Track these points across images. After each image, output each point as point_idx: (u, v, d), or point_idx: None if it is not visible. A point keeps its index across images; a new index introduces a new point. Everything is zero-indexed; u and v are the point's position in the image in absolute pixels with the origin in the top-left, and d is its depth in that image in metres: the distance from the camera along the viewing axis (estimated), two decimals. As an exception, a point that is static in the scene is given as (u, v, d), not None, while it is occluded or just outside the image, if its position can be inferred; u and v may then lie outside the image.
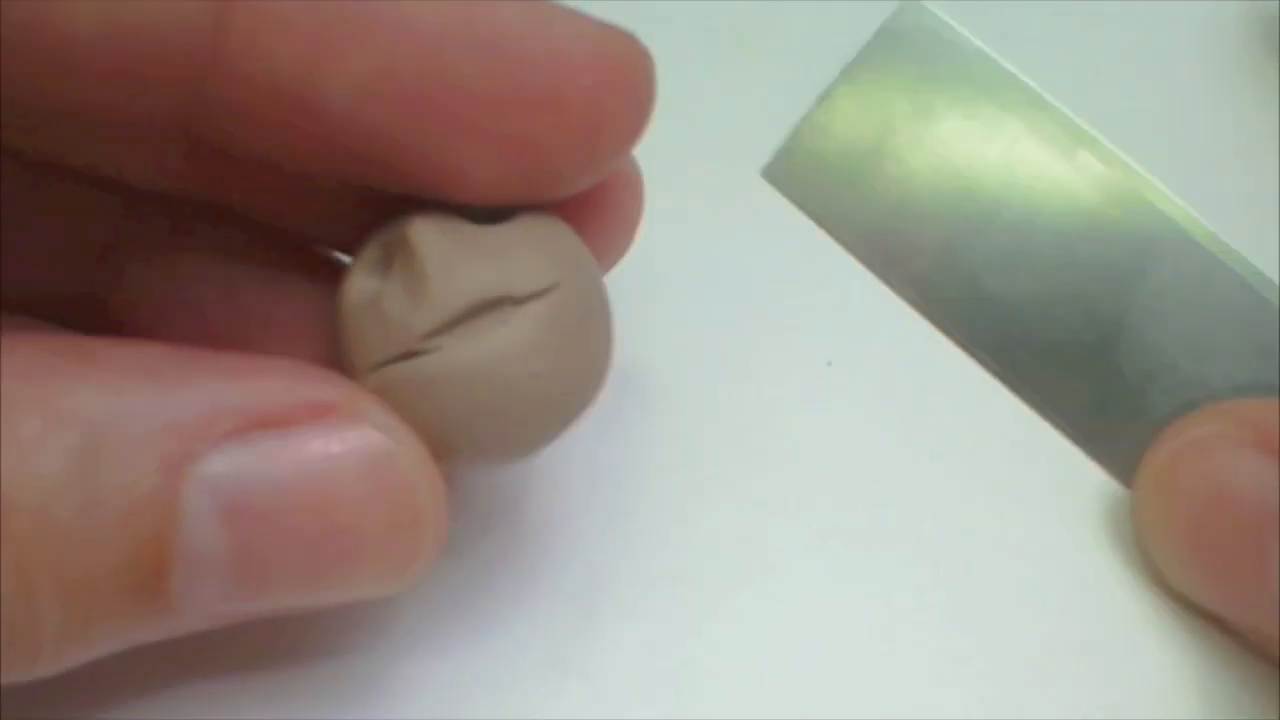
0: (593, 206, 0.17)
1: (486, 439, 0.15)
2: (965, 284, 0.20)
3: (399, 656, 0.18)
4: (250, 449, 0.14)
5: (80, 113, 0.15)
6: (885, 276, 0.20)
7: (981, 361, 0.20)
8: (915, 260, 0.20)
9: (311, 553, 0.14)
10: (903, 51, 0.19)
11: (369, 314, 0.15)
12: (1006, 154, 0.20)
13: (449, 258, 0.15)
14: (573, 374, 0.16)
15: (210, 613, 0.14)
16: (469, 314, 0.15)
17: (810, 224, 0.21)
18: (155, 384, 0.14)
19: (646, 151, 0.17)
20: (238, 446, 0.14)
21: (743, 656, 0.19)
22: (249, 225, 0.18)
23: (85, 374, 0.13)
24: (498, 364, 0.15)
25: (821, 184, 0.18)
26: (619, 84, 0.15)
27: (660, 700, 0.18)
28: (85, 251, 0.18)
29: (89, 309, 0.18)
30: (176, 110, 0.15)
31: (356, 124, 0.15)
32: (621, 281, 0.18)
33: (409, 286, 0.15)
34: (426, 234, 0.15)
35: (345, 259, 0.18)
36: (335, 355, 0.16)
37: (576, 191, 0.16)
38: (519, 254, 0.15)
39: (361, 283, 0.16)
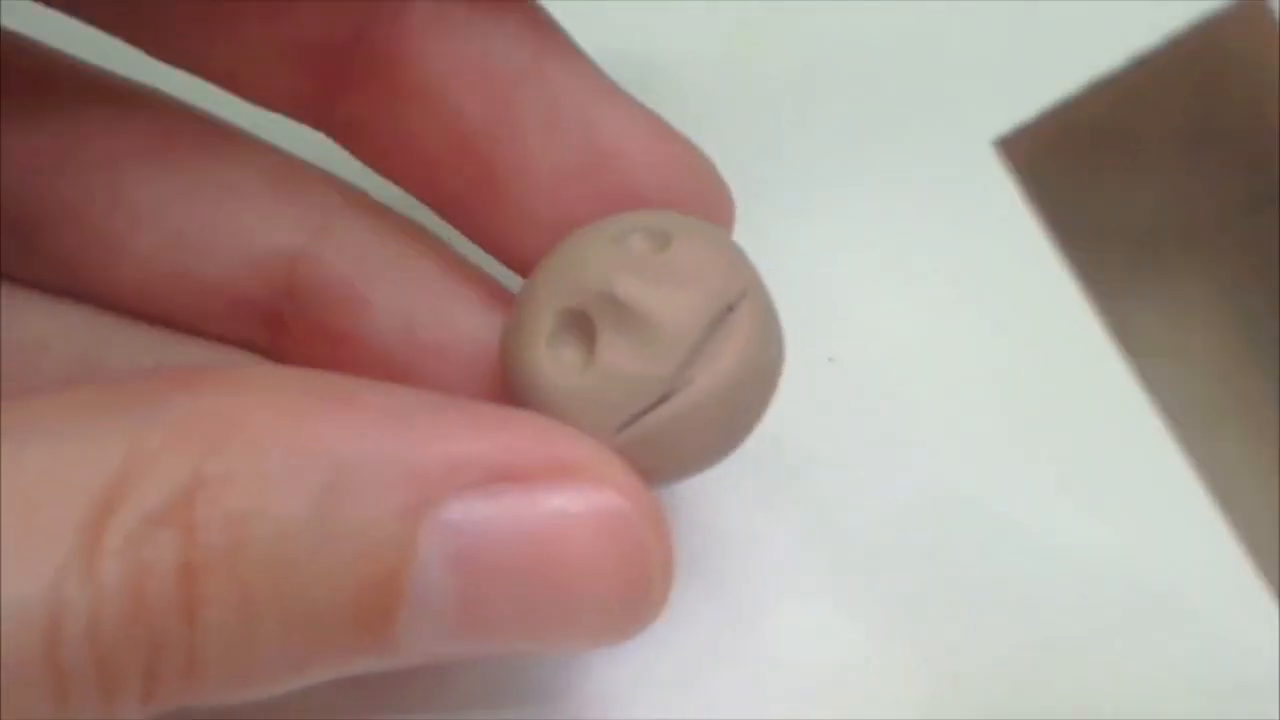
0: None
1: (728, 442, 0.16)
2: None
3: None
4: (491, 501, 0.14)
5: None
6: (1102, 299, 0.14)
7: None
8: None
9: (537, 607, 0.14)
10: (1224, 61, 0.11)
11: (592, 383, 0.15)
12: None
13: (666, 298, 0.15)
14: (781, 346, 0.17)
15: (428, 653, 0.15)
16: (702, 340, 0.15)
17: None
18: (404, 429, 0.14)
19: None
20: (479, 498, 0.14)
21: (736, 655, 0.19)
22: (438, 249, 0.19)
23: (335, 414, 0.14)
24: (744, 369, 0.16)
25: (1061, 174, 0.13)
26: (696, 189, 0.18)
27: (656, 701, 0.19)
28: (273, 267, 0.19)
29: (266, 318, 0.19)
30: None
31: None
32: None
33: (637, 338, 0.15)
34: (632, 285, 0.15)
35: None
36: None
37: None
38: (708, 264, 0.16)
39: (553, 355, 0.16)
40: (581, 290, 0.16)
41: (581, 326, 0.16)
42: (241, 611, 0.13)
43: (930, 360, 0.22)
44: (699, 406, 0.15)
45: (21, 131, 0.18)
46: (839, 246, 0.22)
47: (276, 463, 0.13)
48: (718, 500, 0.20)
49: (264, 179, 0.19)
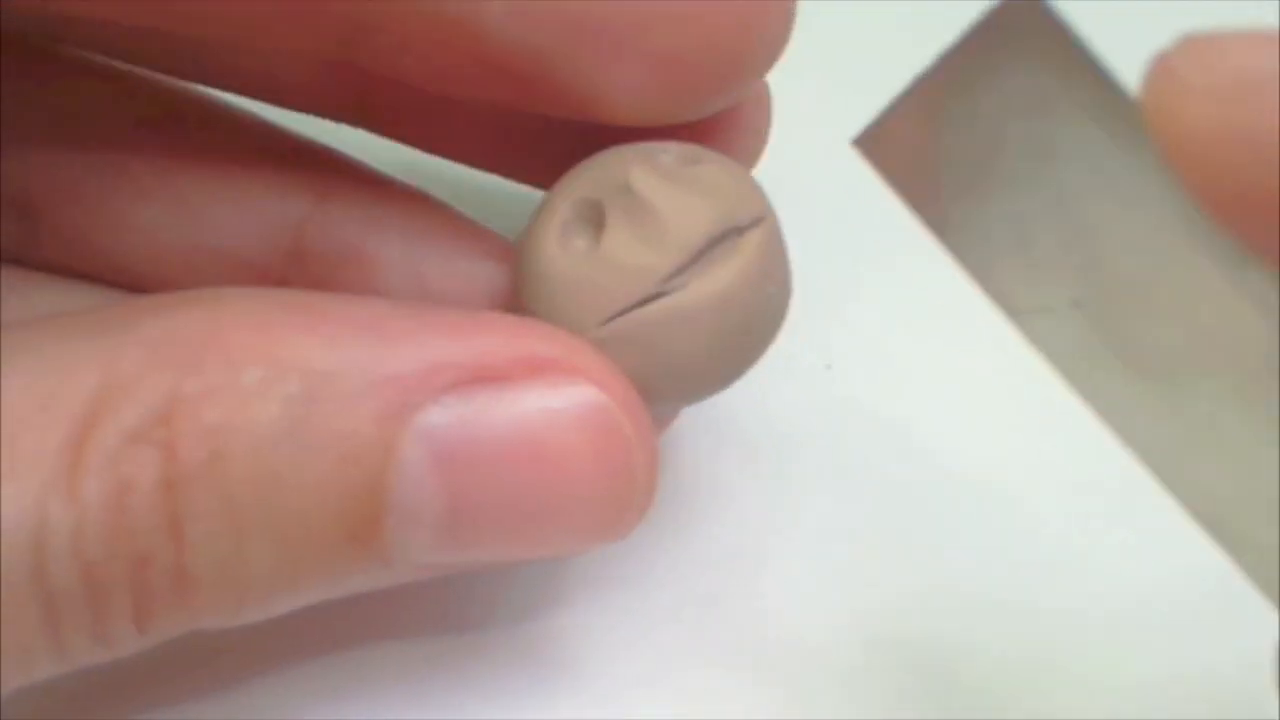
0: (727, 123, 0.18)
1: (715, 369, 0.16)
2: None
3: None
4: (468, 402, 0.14)
5: (245, 36, 0.16)
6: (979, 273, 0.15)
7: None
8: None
9: (523, 505, 0.14)
10: (1010, 55, 0.13)
11: (590, 269, 0.15)
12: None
13: (678, 198, 0.15)
14: (786, 292, 0.17)
15: (420, 563, 0.15)
16: (705, 249, 0.15)
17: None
18: (378, 337, 0.14)
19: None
20: (456, 399, 0.14)
21: (739, 661, 0.19)
22: (432, 209, 0.19)
23: (309, 326, 0.14)
24: (741, 290, 0.15)
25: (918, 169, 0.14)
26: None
27: (659, 701, 0.18)
28: (279, 233, 0.19)
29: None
30: (339, 35, 0.16)
31: (511, 43, 0.16)
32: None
33: (642, 231, 0.15)
34: (649, 179, 0.15)
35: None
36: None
37: (715, 110, 0.17)
38: (728, 187, 0.16)
39: (563, 242, 0.16)
40: (602, 182, 0.16)
41: (595, 217, 0.16)
42: (227, 524, 0.13)
43: (927, 367, 0.22)
44: (688, 314, 0.15)
45: (22, 109, 0.18)
46: (837, 254, 0.22)
47: (252, 376, 0.13)
48: (714, 507, 0.20)
49: (265, 150, 0.19)
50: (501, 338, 0.14)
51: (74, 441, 0.13)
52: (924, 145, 0.13)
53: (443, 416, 0.14)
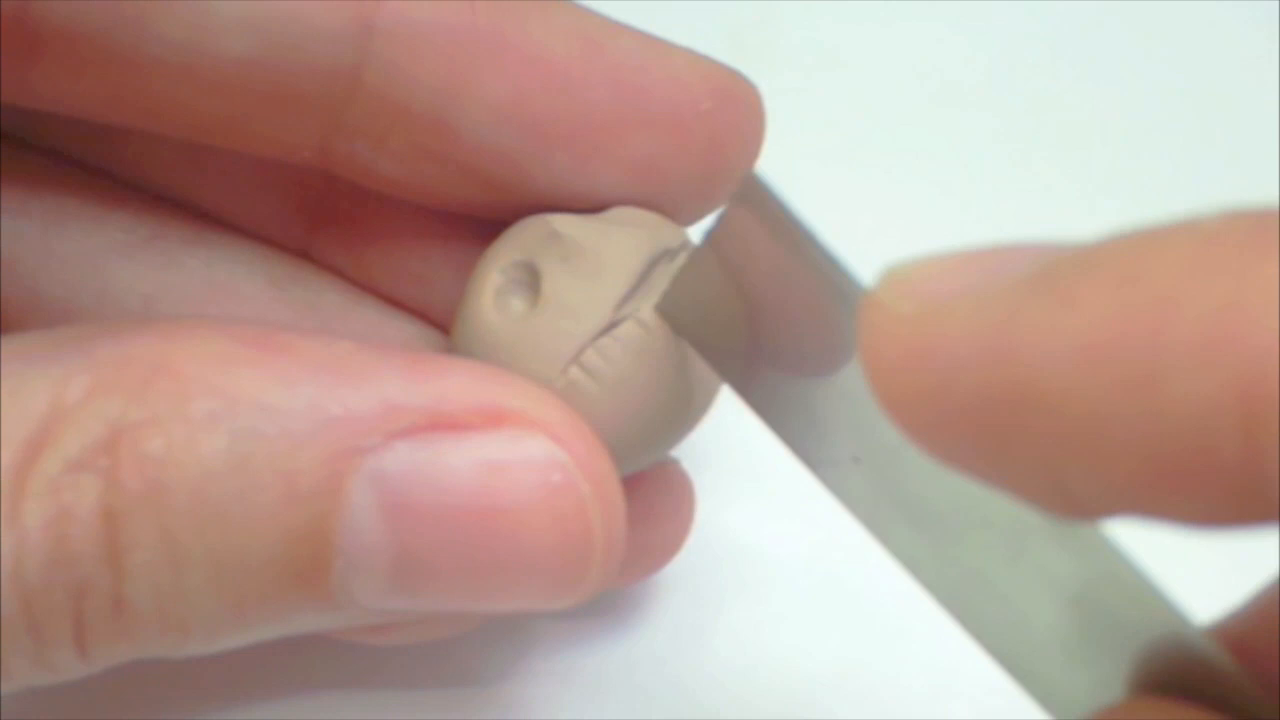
0: None
1: (687, 392, 0.16)
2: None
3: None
4: (422, 449, 0.14)
5: (225, 136, 0.16)
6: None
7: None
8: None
9: (473, 557, 0.14)
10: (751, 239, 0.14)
11: (538, 319, 0.15)
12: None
13: (606, 233, 0.16)
14: None
15: (371, 609, 0.14)
16: (646, 273, 0.15)
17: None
18: (335, 376, 0.14)
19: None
20: (410, 446, 0.14)
21: (740, 668, 0.19)
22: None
23: (264, 361, 0.14)
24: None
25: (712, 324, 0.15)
26: (735, 108, 0.16)
27: (659, 708, 0.18)
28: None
29: None
30: (316, 137, 0.16)
31: (488, 148, 0.16)
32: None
33: (579, 269, 0.15)
34: (572, 222, 0.16)
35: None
36: None
37: (693, 218, 0.17)
38: (645, 219, 0.16)
39: (500, 307, 0.16)
40: (527, 243, 0.16)
41: (526, 279, 0.16)
42: (167, 556, 0.13)
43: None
44: (646, 336, 0.15)
45: (4, 227, 0.18)
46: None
47: (200, 408, 0.13)
48: (712, 509, 0.20)
49: (257, 275, 0.19)
50: (463, 383, 0.14)
51: (19, 467, 0.13)
52: (711, 309, 0.14)
53: (395, 462, 0.14)
